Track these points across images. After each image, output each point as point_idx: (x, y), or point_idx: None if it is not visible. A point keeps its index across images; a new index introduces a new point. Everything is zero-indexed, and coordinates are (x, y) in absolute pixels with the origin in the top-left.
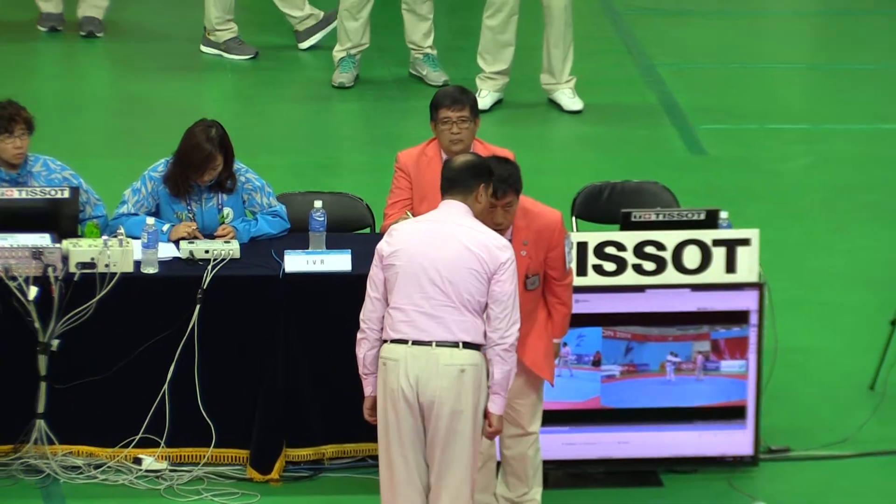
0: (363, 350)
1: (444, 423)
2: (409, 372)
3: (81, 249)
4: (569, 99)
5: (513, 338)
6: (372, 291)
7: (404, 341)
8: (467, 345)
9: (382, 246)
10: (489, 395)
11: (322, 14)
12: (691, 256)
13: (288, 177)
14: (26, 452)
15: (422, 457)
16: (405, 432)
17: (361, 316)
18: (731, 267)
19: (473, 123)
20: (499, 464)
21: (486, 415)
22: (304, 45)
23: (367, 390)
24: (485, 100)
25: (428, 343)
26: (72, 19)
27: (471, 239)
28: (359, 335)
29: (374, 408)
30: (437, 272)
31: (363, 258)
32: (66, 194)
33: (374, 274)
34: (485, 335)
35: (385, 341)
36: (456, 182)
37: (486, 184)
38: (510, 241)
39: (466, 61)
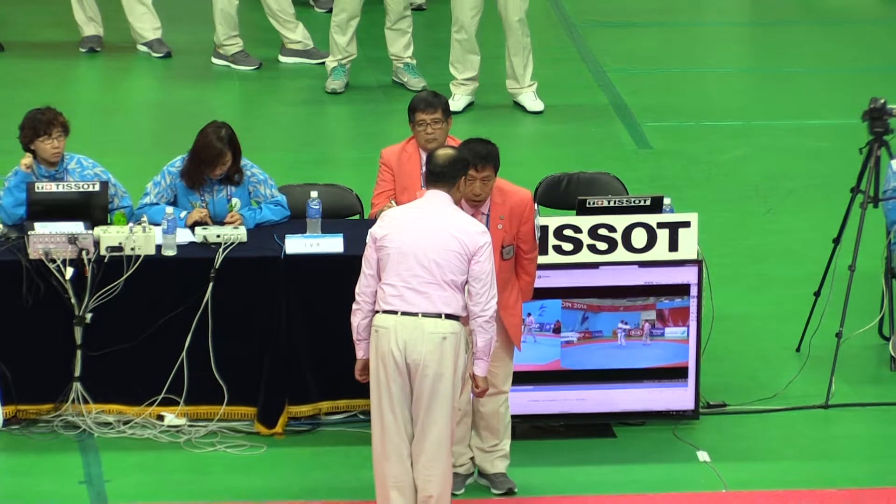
0: (357, 319)
1: (428, 384)
2: (399, 338)
3: (110, 235)
4: (531, 101)
5: (492, 310)
6: (366, 269)
7: (394, 312)
8: (449, 316)
9: (375, 230)
10: (474, 360)
11: (311, 46)
12: (639, 237)
13: (288, 171)
14: (65, 411)
15: (408, 412)
16: (394, 390)
17: (357, 290)
18: (673, 246)
19: (446, 123)
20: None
21: (473, 377)
22: (283, 59)
23: (359, 354)
24: (458, 103)
25: (415, 314)
26: (109, 40)
27: (454, 225)
28: (354, 306)
29: (363, 369)
30: (425, 254)
31: (354, 241)
32: (97, 188)
33: (369, 254)
34: (464, 308)
35: (377, 312)
36: (442, 175)
37: (465, 176)
38: (489, 214)
39: (442, 69)
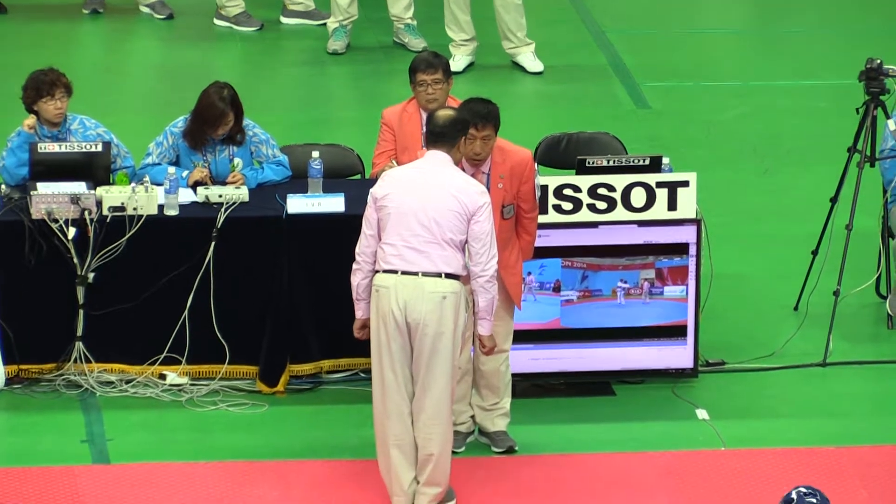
0: (357, 279)
1: (428, 342)
2: (399, 297)
3: (113, 195)
4: (531, 62)
5: (492, 270)
6: (367, 229)
7: (394, 271)
8: (448, 275)
9: (376, 190)
10: (477, 320)
11: (313, 8)
12: (638, 197)
13: (289, 131)
14: (67, 370)
15: (408, 370)
16: (394, 349)
17: (357, 250)
18: (672, 205)
19: (447, 84)
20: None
21: (479, 338)
22: (284, 20)
23: (359, 313)
24: (458, 63)
25: (415, 273)
26: (112, 2)
27: (454, 185)
28: (354, 266)
29: (362, 328)
30: (425, 213)
31: (355, 201)
32: (100, 148)
33: (369, 214)
34: (464, 267)
35: (377, 272)
36: (442, 136)
37: (466, 136)
38: (489, 174)
39: (442, 30)
